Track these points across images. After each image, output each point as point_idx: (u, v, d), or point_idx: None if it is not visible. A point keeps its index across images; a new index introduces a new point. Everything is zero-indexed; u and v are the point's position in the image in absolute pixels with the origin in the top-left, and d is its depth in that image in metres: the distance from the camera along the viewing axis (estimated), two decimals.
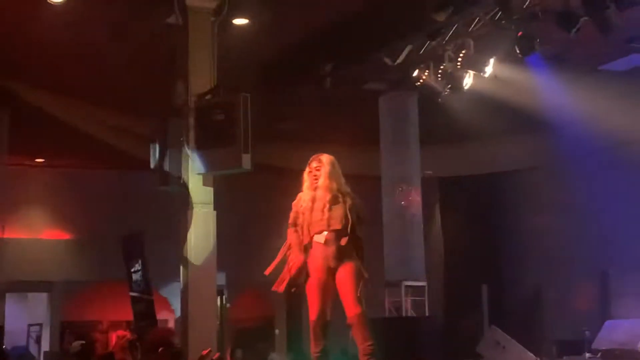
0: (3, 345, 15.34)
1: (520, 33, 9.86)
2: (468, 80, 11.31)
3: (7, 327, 16.91)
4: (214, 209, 10.28)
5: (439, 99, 11.76)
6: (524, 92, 12.32)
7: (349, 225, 6.38)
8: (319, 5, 10.82)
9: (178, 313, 12.21)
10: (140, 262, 12.87)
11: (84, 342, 10.51)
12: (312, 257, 6.47)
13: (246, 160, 9.72)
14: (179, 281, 10.39)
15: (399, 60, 12.23)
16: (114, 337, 9.00)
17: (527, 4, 9.71)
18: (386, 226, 13.20)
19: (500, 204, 16.27)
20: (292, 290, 6.56)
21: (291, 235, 6.62)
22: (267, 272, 6.66)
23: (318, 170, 6.58)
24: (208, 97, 10.06)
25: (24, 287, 18.38)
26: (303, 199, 6.59)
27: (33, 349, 18.47)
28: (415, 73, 11.55)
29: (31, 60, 12.35)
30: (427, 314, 12.98)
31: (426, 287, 13.14)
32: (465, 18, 10.42)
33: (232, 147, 9.67)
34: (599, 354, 10.73)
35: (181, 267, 10.31)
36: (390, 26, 10.79)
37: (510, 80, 11.63)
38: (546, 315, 15.10)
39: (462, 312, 14.93)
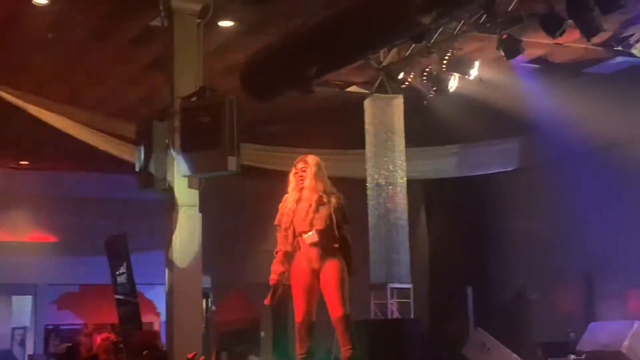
0: None
1: (504, 36, 9.88)
2: (453, 83, 11.34)
3: None
4: (200, 212, 10.26)
5: (425, 102, 11.78)
6: (509, 94, 12.36)
7: (334, 225, 6.39)
8: (303, 8, 10.82)
9: (163, 316, 12.17)
10: (125, 264, 12.83)
11: (70, 344, 10.48)
12: (298, 258, 6.49)
13: (232, 163, 9.69)
14: (164, 284, 10.36)
15: (384, 63, 12.26)
16: (98, 339, 8.98)
17: (511, 7, 9.74)
18: (371, 229, 13.20)
19: (485, 207, 16.27)
20: (277, 302, 6.59)
21: (278, 240, 6.64)
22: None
23: (304, 171, 6.59)
24: (193, 99, 10.04)
25: (8, 290, 18.30)
26: (288, 200, 6.60)
27: (17, 352, 18.39)
28: (401, 76, 11.57)
29: (15, 61, 12.30)
30: (412, 316, 12.99)
31: (411, 290, 13.16)
32: (450, 21, 10.44)
33: (217, 149, 9.64)
34: (583, 356, 10.76)
35: (166, 270, 10.29)
36: (375, 29, 10.79)
37: (495, 82, 11.67)
38: (531, 318, 15.10)
39: (448, 314, 14.94)
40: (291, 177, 6.66)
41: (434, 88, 11.43)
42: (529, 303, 15.19)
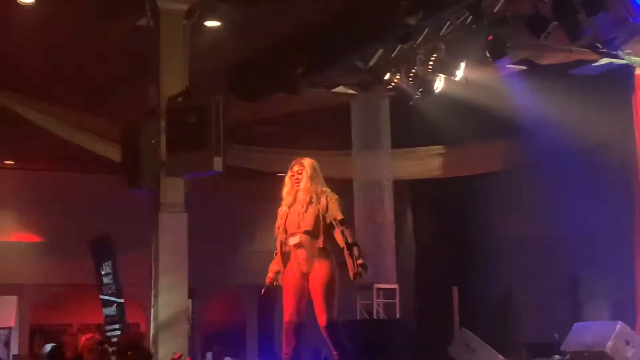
0: None
1: (490, 37, 9.91)
2: (439, 84, 11.35)
3: None
4: (185, 212, 10.25)
5: (411, 103, 11.79)
6: (495, 95, 12.39)
7: (320, 227, 6.38)
8: (290, 9, 10.82)
9: (149, 316, 12.16)
10: (110, 264, 12.82)
11: (55, 344, 10.45)
12: (291, 260, 6.52)
13: (218, 163, 9.70)
14: (150, 284, 10.35)
15: (370, 64, 12.26)
16: (83, 339, 8.96)
17: (497, 8, 9.76)
18: (358, 229, 13.19)
19: (471, 208, 16.31)
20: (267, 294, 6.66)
21: (277, 241, 6.64)
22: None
23: (300, 173, 6.59)
24: (180, 99, 10.04)
25: None
26: (284, 203, 6.62)
27: (2, 352, 18.31)
28: (387, 76, 11.57)
29: (1, 60, 12.25)
30: (398, 317, 13.02)
31: (397, 290, 13.19)
32: (436, 22, 10.46)
33: (204, 149, 9.65)
34: (568, 356, 10.80)
35: (152, 270, 10.28)
36: (362, 30, 10.80)
37: (481, 84, 11.70)
38: (516, 318, 15.16)
39: (433, 314, 14.97)
40: (287, 180, 6.66)
41: (420, 89, 11.43)
42: (514, 303, 15.23)
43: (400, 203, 14.94)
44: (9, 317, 18.81)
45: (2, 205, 18.20)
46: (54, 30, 11.42)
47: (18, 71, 12.49)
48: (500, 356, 11.43)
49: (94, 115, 13.21)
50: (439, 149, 15.17)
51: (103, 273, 13.28)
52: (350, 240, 6.28)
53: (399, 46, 11.03)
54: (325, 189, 6.55)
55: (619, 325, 10.37)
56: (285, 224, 6.50)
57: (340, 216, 6.35)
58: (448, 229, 16.34)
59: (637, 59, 12.24)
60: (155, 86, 10.37)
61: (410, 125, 13.56)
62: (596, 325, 10.88)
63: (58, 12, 10.95)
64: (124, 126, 10.62)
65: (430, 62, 11.10)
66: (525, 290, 15.12)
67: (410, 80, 11.46)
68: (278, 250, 6.59)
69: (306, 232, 6.39)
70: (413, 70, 11.38)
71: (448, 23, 10.49)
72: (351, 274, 6.25)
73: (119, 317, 12.95)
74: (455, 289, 13.42)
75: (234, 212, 18.01)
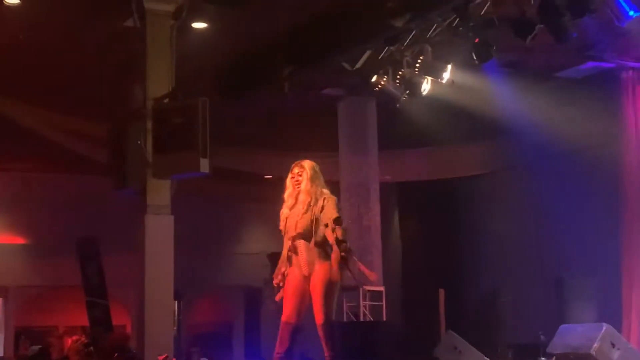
0: None
1: (477, 40, 9.92)
2: (426, 86, 11.36)
3: None
4: (171, 214, 10.22)
5: (397, 105, 11.80)
6: (481, 98, 12.42)
7: (319, 229, 6.39)
8: (278, 10, 10.82)
9: (135, 318, 12.12)
10: (96, 266, 12.78)
11: (41, 346, 10.42)
12: (294, 262, 6.55)
13: (204, 165, 9.65)
14: (135, 286, 10.31)
15: (357, 66, 12.25)
16: (68, 341, 8.93)
17: (483, 11, 9.78)
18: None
19: (458, 210, 16.36)
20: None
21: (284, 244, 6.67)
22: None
23: (300, 175, 6.63)
24: (166, 100, 10.00)
25: None
26: (285, 205, 6.62)
27: None
28: (374, 78, 11.58)
29: None
30: (384, 319, 13.02)
31: (384, 292, 13.19)
32: (423, 24, 10.47)
33: (190, 151, 9.61)
34: (554, 358, 10.83)
35: (138, 272, 10.23)
36: (349, 31, 10.81)
37: (467, 86, 11.71)
38: (502, 320, 15.21)
39: (420, 316, 14.99)
40: (288, 182, 6.69)
41: (407, 91, 11.44)
42: (501, 305, 15.28)
43: (386, 205, 14.95)
44: None
45: None
46: (40, 31, 11.36)
47: (3, 72, 12.42)
48: (486, 358, 11.45)
49: (79, 116, 13.17)
50: (425, 151, 15.19)
51: (88, 275, 13.23)
52: (340, 238, 6.26)
53: (386, 48, 11.04)
54: (326, 190, 6.61)
55: (605, 327, 10.39)
56: (285, 226, 6.54)
57: (335, 215, 6.35)
58: (434, 231, 16.38)
59: (623, 61, 12.30)
60: (141, 87, 10.32)
61: (397, 128, 13.57)
62: (582, 327, 10.90)
63: (43, 13, 10.90)
64: (110, 127, 10.57)
65: (417, 65, 11.10)
66: (511, 292, 15.17)
67: (397, 83, 11.47)
68: (283, 253, 6.63)
69: (304, 235, 6.44)
70: (400, 73, 11.38)
71: (435, 25, 10.51)
72: (353, 276, 6.35)
73: (105, 319, 12.90)
74: (441, 291, 13.43)
75: (221, 213, 17.98)
